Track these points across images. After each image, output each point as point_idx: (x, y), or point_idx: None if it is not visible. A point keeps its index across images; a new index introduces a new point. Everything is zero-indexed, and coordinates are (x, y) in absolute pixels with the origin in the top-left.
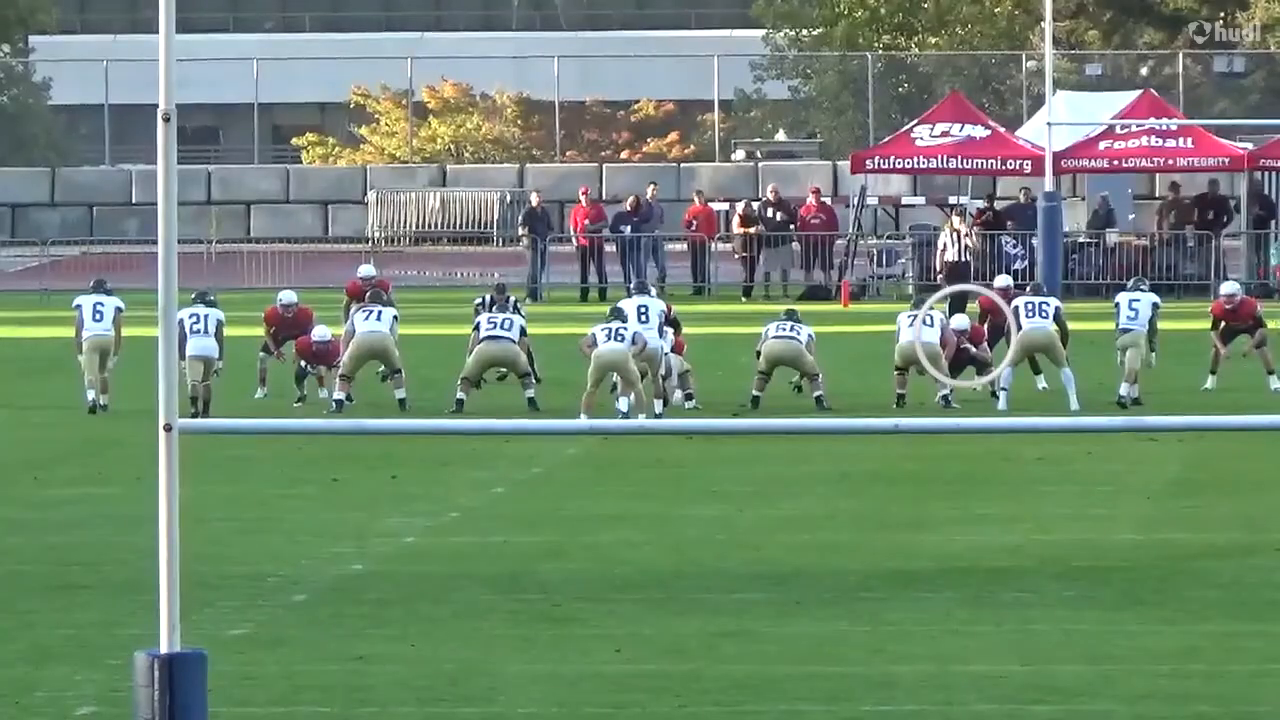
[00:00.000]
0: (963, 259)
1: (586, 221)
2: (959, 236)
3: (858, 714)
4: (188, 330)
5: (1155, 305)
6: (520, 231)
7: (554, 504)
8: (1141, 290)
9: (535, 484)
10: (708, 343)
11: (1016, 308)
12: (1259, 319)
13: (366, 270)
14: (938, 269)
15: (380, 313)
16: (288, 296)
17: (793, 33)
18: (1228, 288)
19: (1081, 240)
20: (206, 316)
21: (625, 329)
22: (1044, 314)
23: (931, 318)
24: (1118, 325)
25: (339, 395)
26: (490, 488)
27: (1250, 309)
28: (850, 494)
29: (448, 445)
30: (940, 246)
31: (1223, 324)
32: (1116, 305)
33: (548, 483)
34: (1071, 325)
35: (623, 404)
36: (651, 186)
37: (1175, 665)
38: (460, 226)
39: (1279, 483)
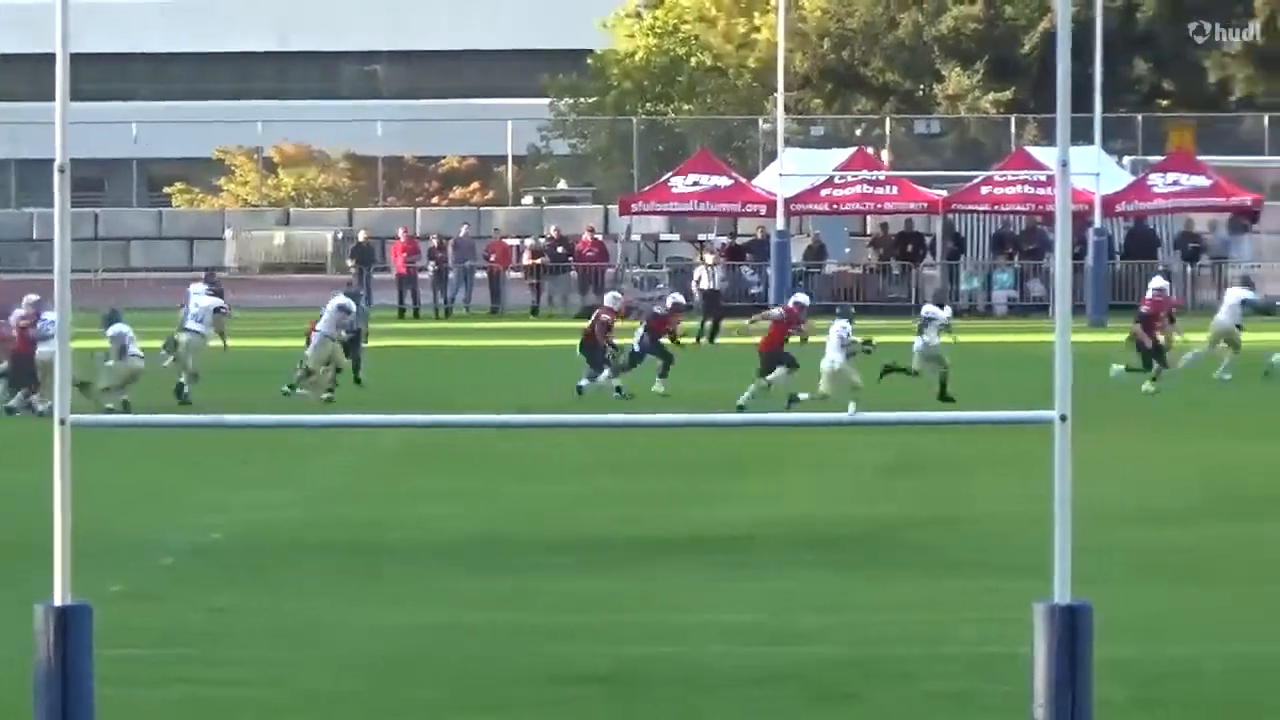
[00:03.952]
0: (715, 287)
1: (404, 254)
2: (710, 269)
3: (633, 654)
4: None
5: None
6: (349, 263)
7: (384, 483)
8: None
9: (369, 466)
10: (502, 353)
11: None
12: (1173, 315)
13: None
14: (695, 296)
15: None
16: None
17: (573, 101)
18: (1157, 282)
19: (806, 269)
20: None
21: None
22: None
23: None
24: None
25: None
26: (331, 470)
27: (1169, 305)
28: (632, 477)
29: (299, 435)
30: (696, 277)
31: (1151, 317)
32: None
33: (379, 465)
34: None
35: None
36: (464, 226)
37: (884, 614)
38: (301, 259)
39: (974, 467)
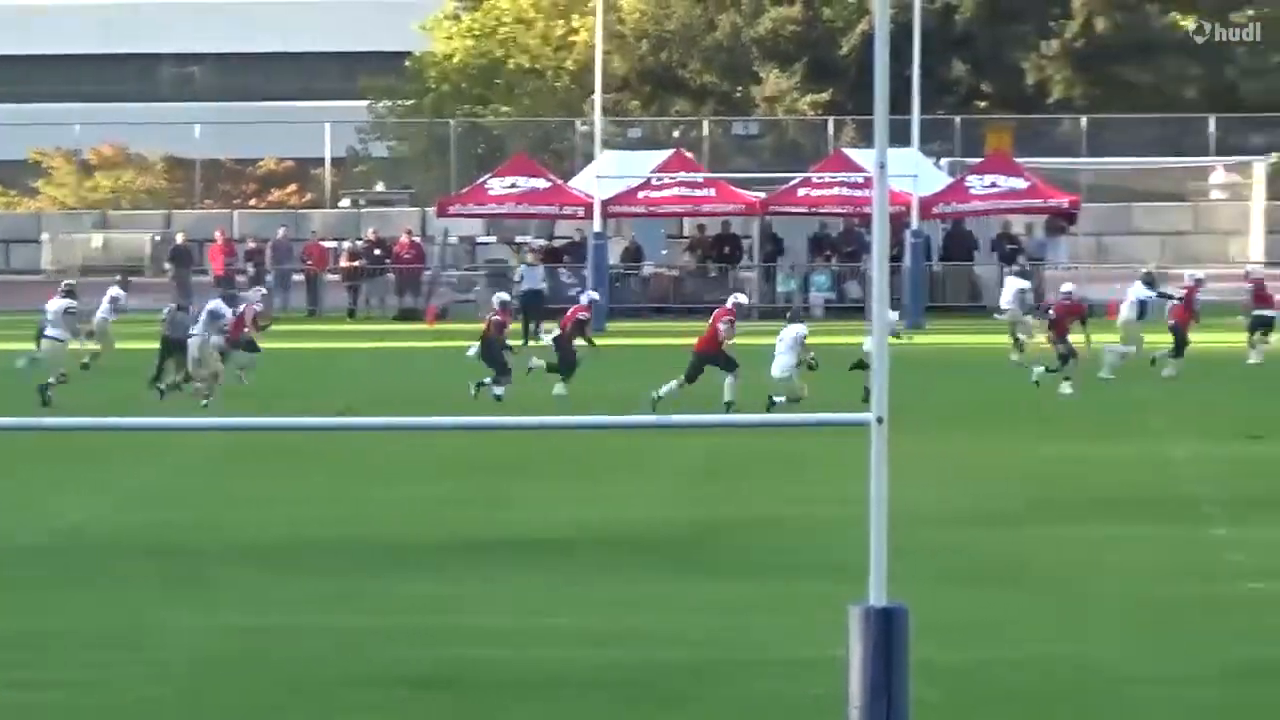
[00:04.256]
0: (538, 287)
1: (222, 257)
2: (533, 270)
3: (459, 657)
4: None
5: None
6: (167, 265)
7: (201, 487)
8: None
9: (192, 469)
10: (321, 355)
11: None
12: (1083, 319)
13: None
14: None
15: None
16: None
17: (390, 103)
18: (1067, 286)
19: (623, 271)
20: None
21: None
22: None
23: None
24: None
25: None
26: (155, 473)
27: (1078, 309)
28: (453, 477)
29: (117, 437)
30: (518, 278)
31: (1060, 321)
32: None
33: (203, 468)
34: (611, 341)
35: None
36: (282, 229)
37: (700, 618)
38: (119, 260)
39: (793, 470)
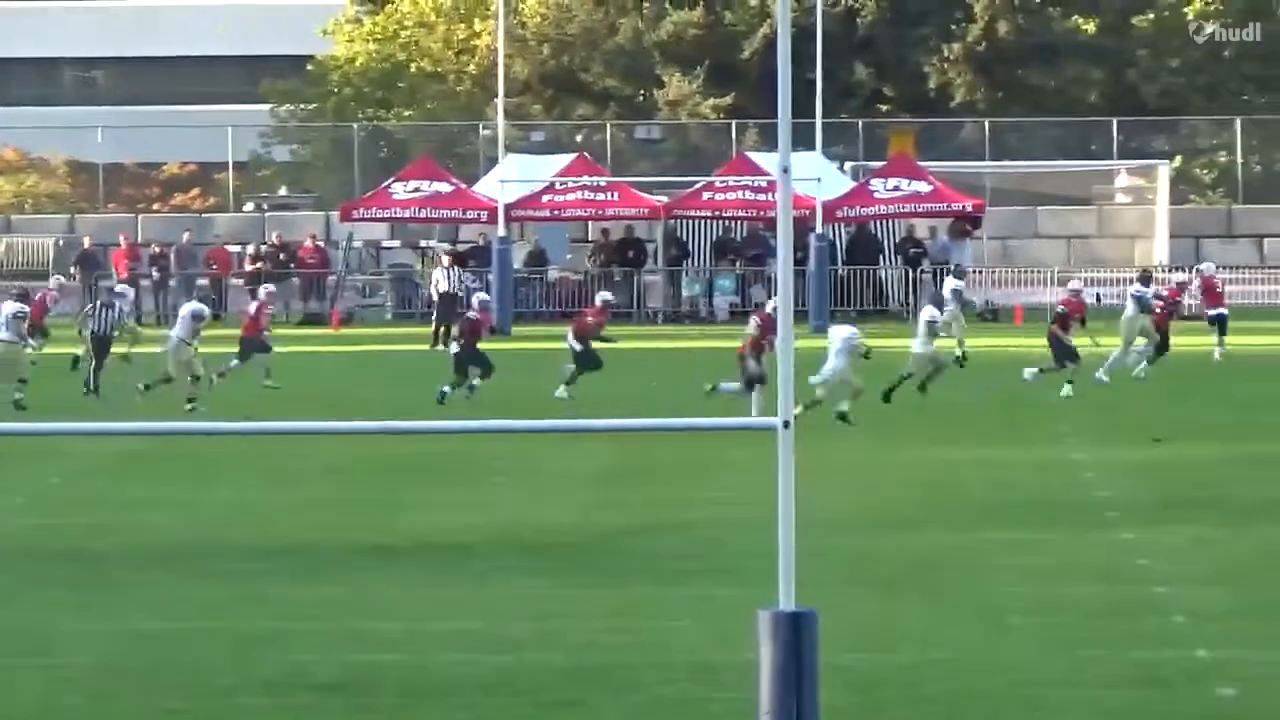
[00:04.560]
0: (453, 291)
1: (126, 261)
2: (448, 273)
3: (355, 661)
4: None
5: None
6: (72, 270)
7: (103, 491)
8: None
9: (90, 473)
10: (225, 360)
11: None
12: (1083, 319)
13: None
14: (432, 300)
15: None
16: None
17: (293, 107)
18: (1073, 284)
19: (527, 276)
20: None
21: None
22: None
23: None
24: None
25: None
26: (49, 478)
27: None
28: (343, 482)
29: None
30: (434, 280)
31: (1067, 318)
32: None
33: (100, 472)
34: (516, 345)
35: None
36: (186, 233)
37: (607, 622)
38: (23, 266)
39: (698, 474)
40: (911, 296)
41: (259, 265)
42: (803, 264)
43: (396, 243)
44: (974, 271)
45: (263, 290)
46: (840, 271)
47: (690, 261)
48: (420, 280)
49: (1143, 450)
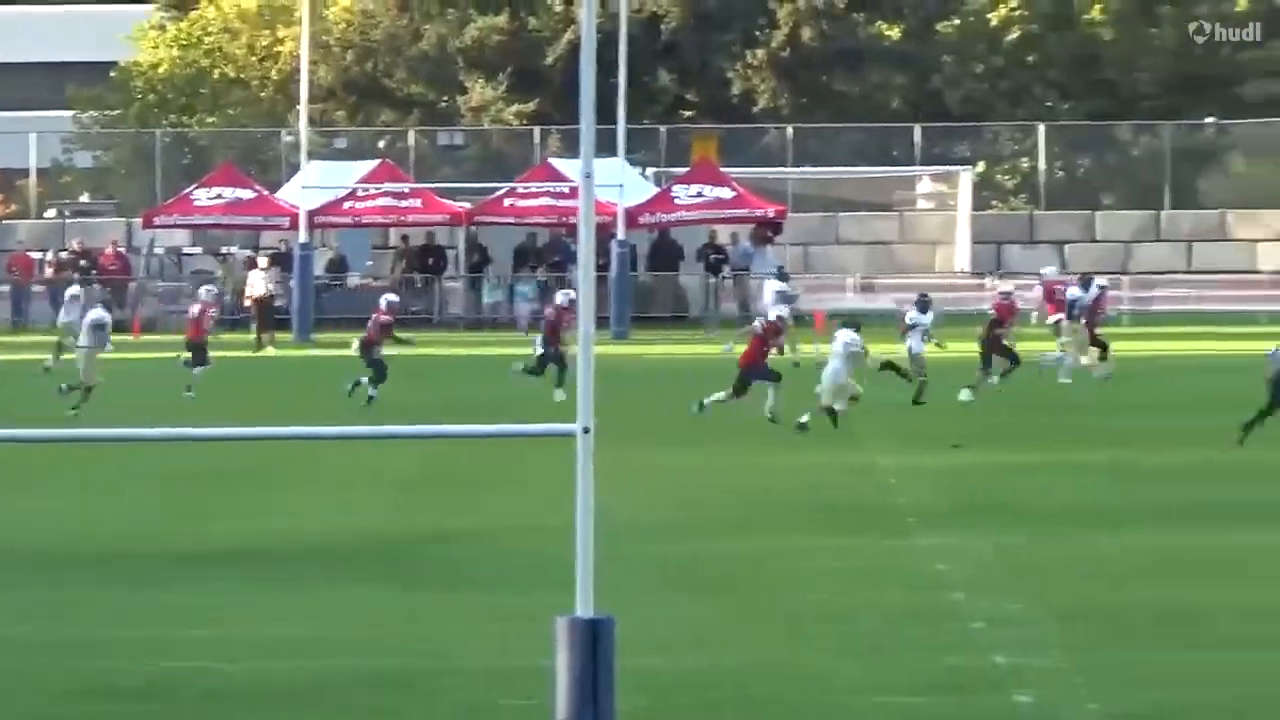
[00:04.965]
0: (270, 293)
1: None
2: (265, 276)
3: (163, 668)
4: None
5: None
6: None
7: None
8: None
9: None
10: (28, 366)
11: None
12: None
13: None
14: (247, 303)
15: None
16: None
17: (97, 113)
18: (1004, 286)
19: (329, 282)
20: None
21: None
22: None
23: None
24: None
25: None
26: None
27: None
28: (157, 490)
29: None
30: (250, 283)
31: (1000, 321)
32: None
33: None
34: (317, 353)
35: None
36: None
37: (408, 628)
38: None
39: (499, 480)
40: (713, 303)
41: (61, 273)
42: (604, 270)
43: (198, 249)
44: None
45: (204, 290)
46: (642, 278)
47: (491, 268)
48: (223, 286)
49: (944, 456)
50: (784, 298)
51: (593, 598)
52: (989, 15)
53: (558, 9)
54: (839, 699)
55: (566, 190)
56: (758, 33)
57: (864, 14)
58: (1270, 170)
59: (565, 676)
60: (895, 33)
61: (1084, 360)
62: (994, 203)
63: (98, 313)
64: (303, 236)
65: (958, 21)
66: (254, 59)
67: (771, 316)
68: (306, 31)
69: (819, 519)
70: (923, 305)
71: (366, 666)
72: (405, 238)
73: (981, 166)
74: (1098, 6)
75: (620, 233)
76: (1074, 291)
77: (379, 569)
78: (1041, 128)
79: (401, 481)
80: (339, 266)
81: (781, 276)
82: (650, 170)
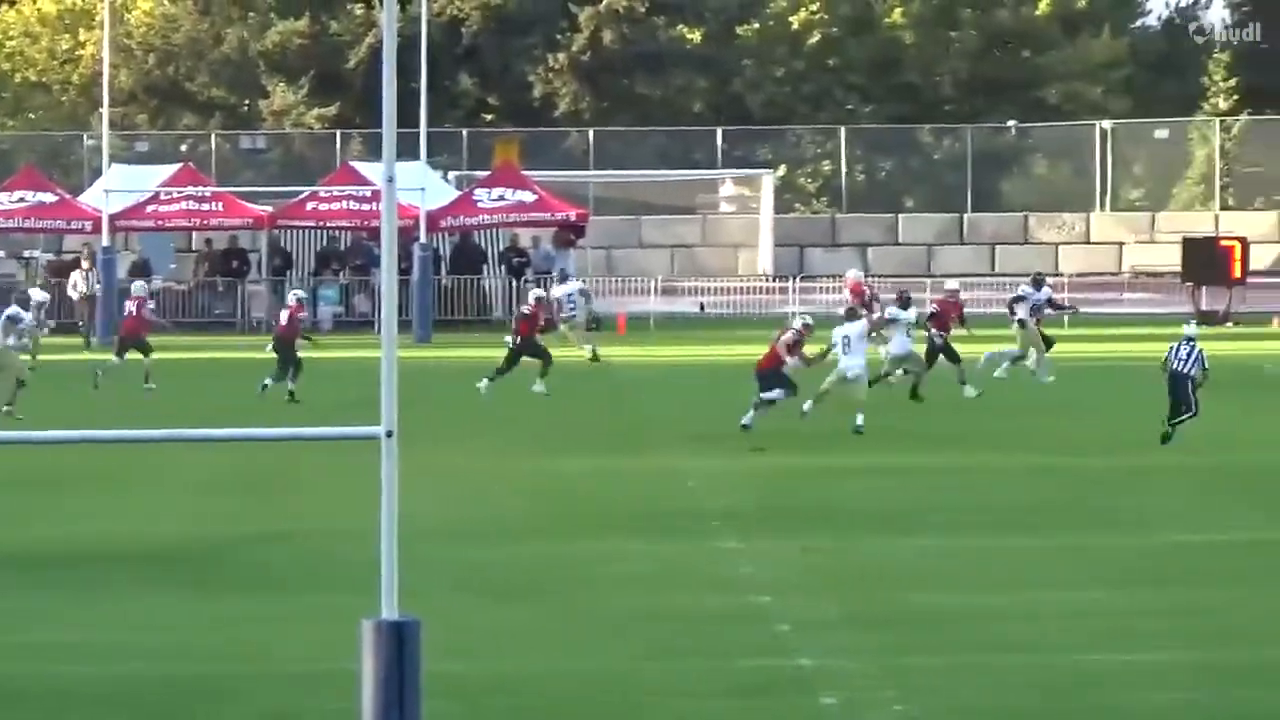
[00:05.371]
0: (92, 292)
1: None
2: (87, 276)
3: None
4: None
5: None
6: None
7: None
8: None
9: None
10: None
11: None
12: (962, 318)
13: None
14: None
15: None
16: None
17: None
18: (951, 284)
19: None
20: None
21: None
22: None
23: None
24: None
25: None
26: None
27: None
28: None
29: None
30: (72, 283)
31: (941, 315)
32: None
33: None
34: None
35: None
36: None
37: (211, 632)
38: None
39: (306, 483)
40: (514, 306)
41: None
42: (407, 274)
43: (0, 253)
44: (579, 280)
45: (136, 285)
46: (444, 281)
47: (294, 271)
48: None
49: (747, 459)
50: (584, 297)
51: (397, 601)
52: (790, 19)
53: (358, 13)
54: (641, 700)
55: (368, 194)
56: (559, 36)
57: (665, 17)
58: (1069, 172)
59: (370, 679)
60: (696, 36)
61: (1029, 360)
62: (796, 206)
63: (13, 308)
64: (105, 240)
65: (758, 25)
66: (55, 63)
67: (797, 324)
68: (108, 35)
69: (620, 522)
70: (904, 303)
71: (172, 671)
72: (208, 241)
73: (783, 170)
74: (898, 10)
75: (422, 236)
76: (1025, 288)
77: (186, 573)
78: (843, 131)
79: (208, 485)
80: (142, 270)
81: (562, 278)
82: (452, 174)
